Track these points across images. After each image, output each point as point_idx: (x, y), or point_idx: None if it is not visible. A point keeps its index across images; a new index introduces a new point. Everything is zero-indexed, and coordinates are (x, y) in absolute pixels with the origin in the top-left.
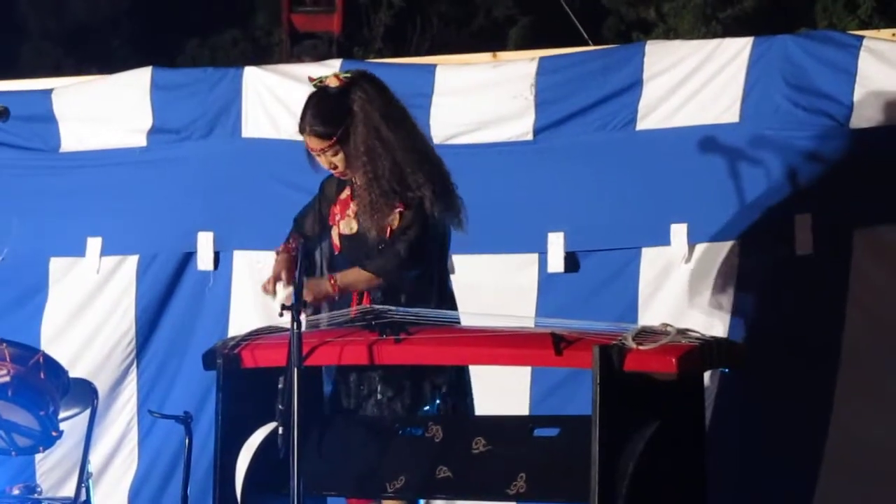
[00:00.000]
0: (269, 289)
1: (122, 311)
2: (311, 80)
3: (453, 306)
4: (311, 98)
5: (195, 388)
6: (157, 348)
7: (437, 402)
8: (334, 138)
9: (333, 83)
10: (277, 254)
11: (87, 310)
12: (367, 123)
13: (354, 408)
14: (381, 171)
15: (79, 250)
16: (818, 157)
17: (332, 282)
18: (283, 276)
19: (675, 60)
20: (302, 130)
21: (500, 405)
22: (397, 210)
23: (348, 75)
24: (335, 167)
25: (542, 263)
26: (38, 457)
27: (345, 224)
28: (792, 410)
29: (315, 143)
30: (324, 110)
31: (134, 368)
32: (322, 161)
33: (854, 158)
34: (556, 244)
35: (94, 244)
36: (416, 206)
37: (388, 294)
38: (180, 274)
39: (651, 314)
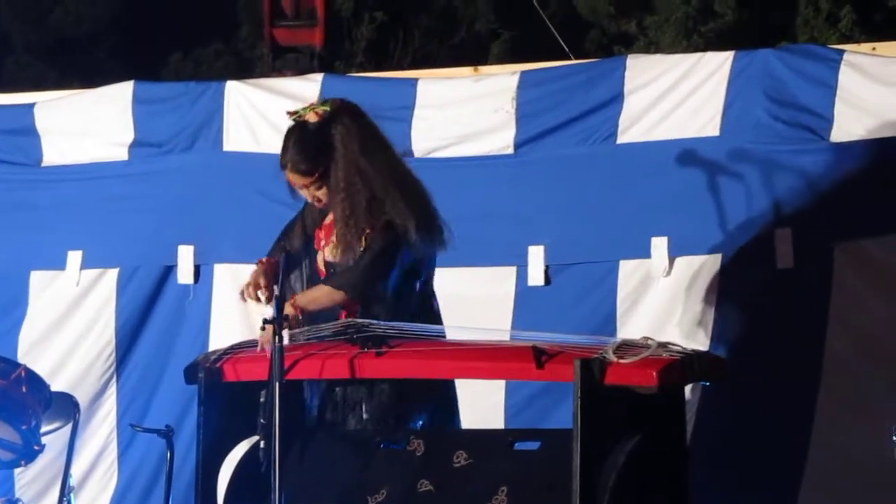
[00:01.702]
0: (251, 294)
1: (102, 324)
2: (289, 114)
3: (438, 324)
4: (290, 134)
5: (175, 402)
6: (138, 362)
7: (421, 422)
8: (316, 174)
9: (312, 119)
10: (257, 263)
11: (67, 323)
12: (347, 158)
13: (340, 422)
14: (357, 208)
15: (59, 263)
16: (799, 171)
17: (292, 302)
18: (262, 282)
19: (657, 74)
20: (283, 167)
21: (475, 418)
22: (365, 233)
23: (327, 108)
24: (319, 200)
25: (521, 276)
26: (17, 470)
27: (329, 250)
28: (773, 424)
29: (297, 180)
30: (305, 147)
31: (114, 382)
32: (305, 195)
33: (835, 172)
34: (537, 257)
35: (74, 257)
36: (382, 225)
37: (367, 309)
38: (161, 287)
39: (630, 327)
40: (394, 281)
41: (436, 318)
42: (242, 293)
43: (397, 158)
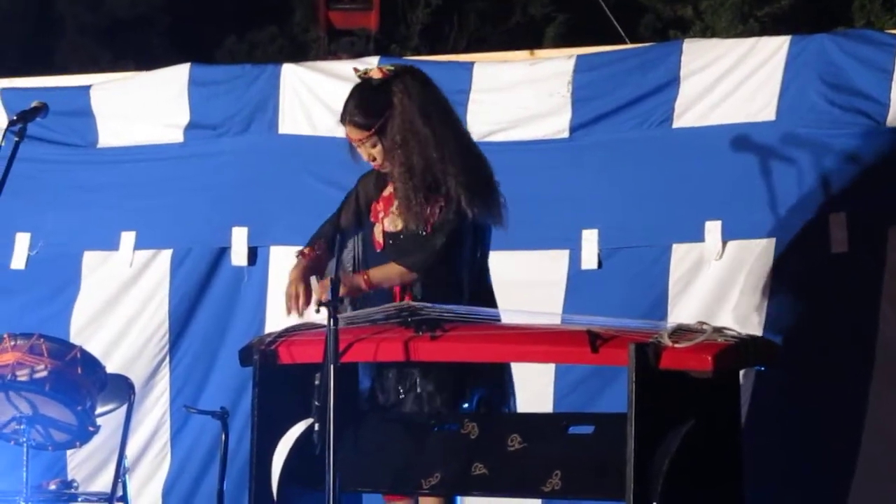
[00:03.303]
0: (294, 306)
1: (155, 305)
2: (355, 71)
3: (492, 303)
4: (354, 89)
5: (229, 384)
6: (191, 343)
7: (476, 398)
8: (373, 129)
9: (376, 75)
10: (297, 256)
11: (120, 304)
12: (404, 117)
13: (392, 404)
14: (414, 165)
15: (112, 244)
16: (854, 156)
17: (365, 277)
18: (301, 292)
19: (712, 58)
20: (342, 120)
21: (523, 399)
22: (438, 205)
23: (392, 69)
24: (374, 159)
25: (573, 259)
26: (69, 451)
27: (389, 221)
28: (827, 408)
29: (354, 134)
30: (364, 101)
31: (167, 363)
32: (361, 152)
33: (890, 157)
34: (591, 241)
35: (127, 238)
36: (453, 202)
37: (427, 289)
38: (215, 269)
39: (681, 310)
40: (465, 263)
41: (489, 293)
42: (291, 308)
43: (459, 128)
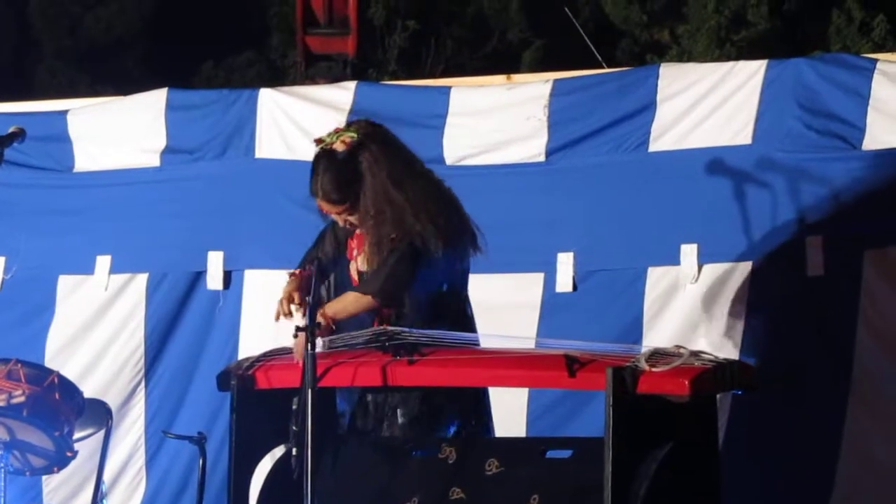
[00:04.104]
0: (285, 308)
1: (131, 329)
2: (316, 142)
3: (471, 330)
4: (318, 162)
5: (204, 409)
6: (166, 367)
7: (455, 426)
8: (347, 203)
9: (340, 147)
10: (289, 275)
11: (96, 328)
12: (376, 188)
13: (371, 429)
14: (384, 235)
15: (87, 268)
16: (830, 180)
17: (321, 311)
18: (295, 296)
19: (689, 83)
20: (314, 195)
21: (495, 422)
22: (391, 238)
23: (353, 135)
24: (351, 224)
25: (548, 282)
26: (43, 475)
27: (361, 260)
28: (803, 431)
29: (328, 208)
30: (334, 177)
31: (142, 387)
32: (337, 220)
33: (866, 181)
34: (566, 264)
35: (103, 262)
36: (410, 236)
37: (400, 318)
38: (190, 293)
39: (656, 333)
40: (426, 288)
41: (469, 322)
42: (278, 313)
43: (426, 176)
